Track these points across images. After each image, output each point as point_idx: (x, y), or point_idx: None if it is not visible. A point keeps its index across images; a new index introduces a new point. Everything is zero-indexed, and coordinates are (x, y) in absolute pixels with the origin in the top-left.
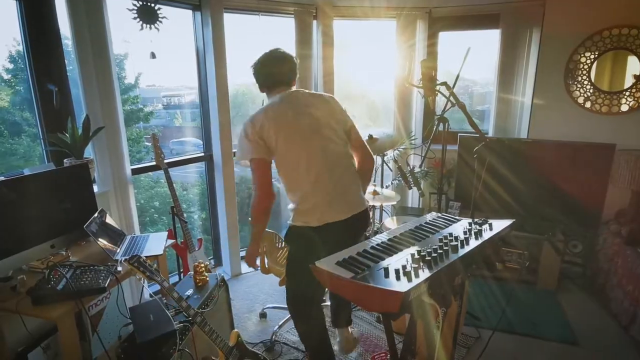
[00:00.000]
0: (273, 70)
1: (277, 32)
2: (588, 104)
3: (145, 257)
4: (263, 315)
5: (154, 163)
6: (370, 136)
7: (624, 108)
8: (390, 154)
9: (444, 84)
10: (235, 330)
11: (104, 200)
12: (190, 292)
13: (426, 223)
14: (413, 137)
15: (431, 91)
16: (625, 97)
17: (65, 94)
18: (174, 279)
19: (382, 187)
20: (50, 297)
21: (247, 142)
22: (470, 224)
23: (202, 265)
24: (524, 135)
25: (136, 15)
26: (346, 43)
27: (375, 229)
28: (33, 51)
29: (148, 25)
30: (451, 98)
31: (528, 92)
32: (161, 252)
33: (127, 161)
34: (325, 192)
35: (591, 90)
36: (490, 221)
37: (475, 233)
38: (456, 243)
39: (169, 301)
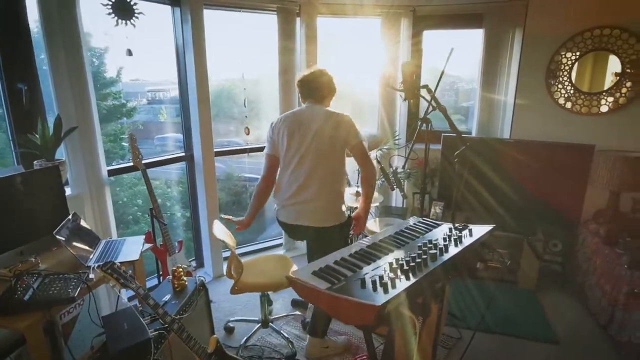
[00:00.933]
0: (303, 87)
1: (260, 29)
2: (568, 105)
3: (120, 262)
4: (229, 331)
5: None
6: None
7: (604, 109)
8: (374, 154)
9: (425, 87)
10: (215, 335)
11: (78, 203)
12: (167, 297)
13: (407, 228)
14: (397, 137)
15: (413, 94)
16: (605, 98)
17: (36, 92)
18: (152, 282)
19: None
20: (16, 308)
21: (267, 141)
22: (450, 229)
23: (181, 269)
24: (507, 134)
25: (111, 11)
26: (331, 41)
27: None
28: (0, 46)
29: (124, 21)
30: (433, 102)
31: (511, 92)
32: (137, 258)
33: (103, 162)
34: (285, 197)
35: (572, 91)
36: (470, 227)
37: (455, 240)
38: (435, 251)
39: (145, 308)
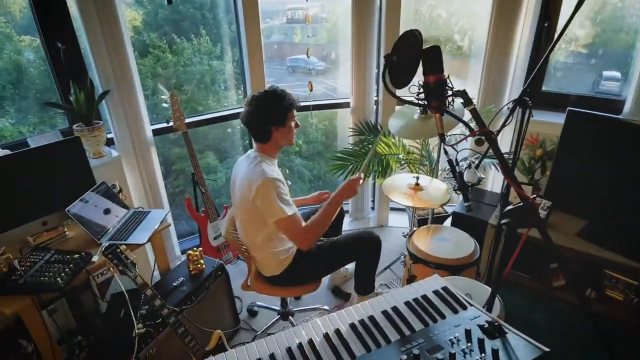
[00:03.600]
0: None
1: None
2: None
3: (128, 245)
4: (252, 314)
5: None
6: None
7: None
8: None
9: (459, 93)
10: (218, 331)
11: (115, 167)
12: (179, 281)
13: (407, 304)
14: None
15: (441, 105)
16: None
17: (74, 51)
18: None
19: (435, 176)
20: (12, 290)
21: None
22: (468, 331)
23: (197, 252)
24: None
25: None
26: None
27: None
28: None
29: None
30: (472, 123)
31: None
32: (144, 242)
33: (147, 122)
34: None
35: None
36: (506, 333)
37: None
38: None
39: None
